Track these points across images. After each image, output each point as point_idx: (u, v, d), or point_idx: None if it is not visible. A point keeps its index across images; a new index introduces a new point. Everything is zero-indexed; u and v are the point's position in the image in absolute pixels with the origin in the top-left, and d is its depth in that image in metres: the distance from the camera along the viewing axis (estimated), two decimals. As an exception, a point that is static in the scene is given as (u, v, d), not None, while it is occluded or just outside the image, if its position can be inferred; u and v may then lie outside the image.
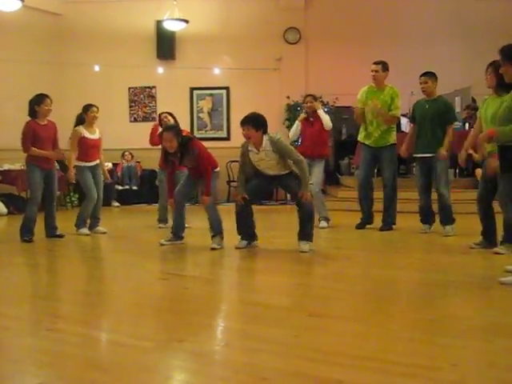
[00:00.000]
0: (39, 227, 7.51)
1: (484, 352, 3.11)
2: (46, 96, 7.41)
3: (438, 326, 3.57)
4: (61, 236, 7.59)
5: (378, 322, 3.67)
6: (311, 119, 8.20)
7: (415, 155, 7.48)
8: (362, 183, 8.06)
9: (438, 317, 3.80)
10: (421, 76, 7.36)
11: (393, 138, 7.94)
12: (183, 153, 6.60)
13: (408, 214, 9.16)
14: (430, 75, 7.33)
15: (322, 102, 11.41)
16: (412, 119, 7.77)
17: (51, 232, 7.59)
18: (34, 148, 7.27)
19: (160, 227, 8.47)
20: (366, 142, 8.00)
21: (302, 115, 8.43)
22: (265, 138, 6.30)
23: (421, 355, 3.00)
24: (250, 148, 6.40)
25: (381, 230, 7.79)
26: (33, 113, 7.35)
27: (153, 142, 8.49)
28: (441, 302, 4.28)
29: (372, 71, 7.86)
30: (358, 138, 8.18)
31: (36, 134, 7.29)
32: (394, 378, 2.75)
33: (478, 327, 3.56)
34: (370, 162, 8.04)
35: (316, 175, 8.17)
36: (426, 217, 7.55)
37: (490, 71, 5.80)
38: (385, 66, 7.87)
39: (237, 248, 6.48)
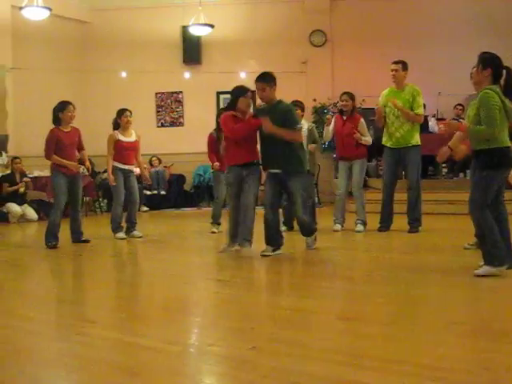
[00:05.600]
0: (65, 233, 7.59)
1: (516, 355, 3.06)
2: (69, 103, 7.49)
3: (468, 329, 3.53)
4: (87, 241, 7.64)
5: (407, 325, 3.63)
6: (344, 117, 8.09)
7: None
8: (387, 185, 7.95)
9: (468, 319, 3.76)
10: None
11: (416, 139, 7.79)
12: None
13: (437, 216, 9.12)
14: None
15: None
16: None
17: (76, 237, 7.64)
18: (55, 156, 7.36)
19: (213, 232, 8.40)
20: (388, 144, 7.89)
21: (328, 116, 8.39)
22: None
23: (451, 358, 2.96)
24: None
25: (409, 232, 7.72)
26: (57, 120, 7.44)
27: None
28: (471, 304, 4.23)
29: (392, 70, 7.78)
30: (382, 142, 8.06)
31: (60, 141, 7.37)
32: (424, 381, 2.72)
33: (509, 330, 3.50)
34: (393, 165, 7.92)
35: (355, 176, 8.03)
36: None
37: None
38: (404, 66, 7.80)
39: (263, 255, 6.26)
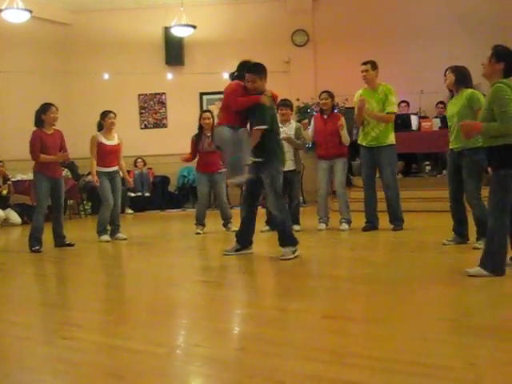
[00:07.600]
0: (48, 237, 7.55)
1: (500, 351, 3.07)
2: (52, 104, 7.48)
3: (453, 325, 3.55)
4: (70, 245, 7.61)
5: (392, 323, 3.65)
6: (325, 117, 8.12)
7: None
8: (367, 183, 8.00)
9: (452, 316, 3.78)
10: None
11: (390, 138, 7.82)
12: None
13: (421, 213, 9.16)
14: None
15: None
16: None
17: (59, 241, 7.61)
18: (43, 155, 7.32)
19: (198, 233, 8.31)
20: (364, 143, 7.91)
21: (305, 122, 8.48)
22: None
23: (436, 355, 2.98)
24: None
25: (393, 230, 7.75)
26: (39, 122, 7.41)
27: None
28: (455, 300, 4.26)
29: (362, 72, 7.82)
30: (358, 141, 8.07)
31: (43, 143, 7.34)
32: (410, 378, 2.73)
33: (493, 326, 3.53)
34: (370, 164, 7.93)
35: (338, 176, 8.07)
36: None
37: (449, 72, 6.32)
38: (374, 65, 7.82)
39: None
